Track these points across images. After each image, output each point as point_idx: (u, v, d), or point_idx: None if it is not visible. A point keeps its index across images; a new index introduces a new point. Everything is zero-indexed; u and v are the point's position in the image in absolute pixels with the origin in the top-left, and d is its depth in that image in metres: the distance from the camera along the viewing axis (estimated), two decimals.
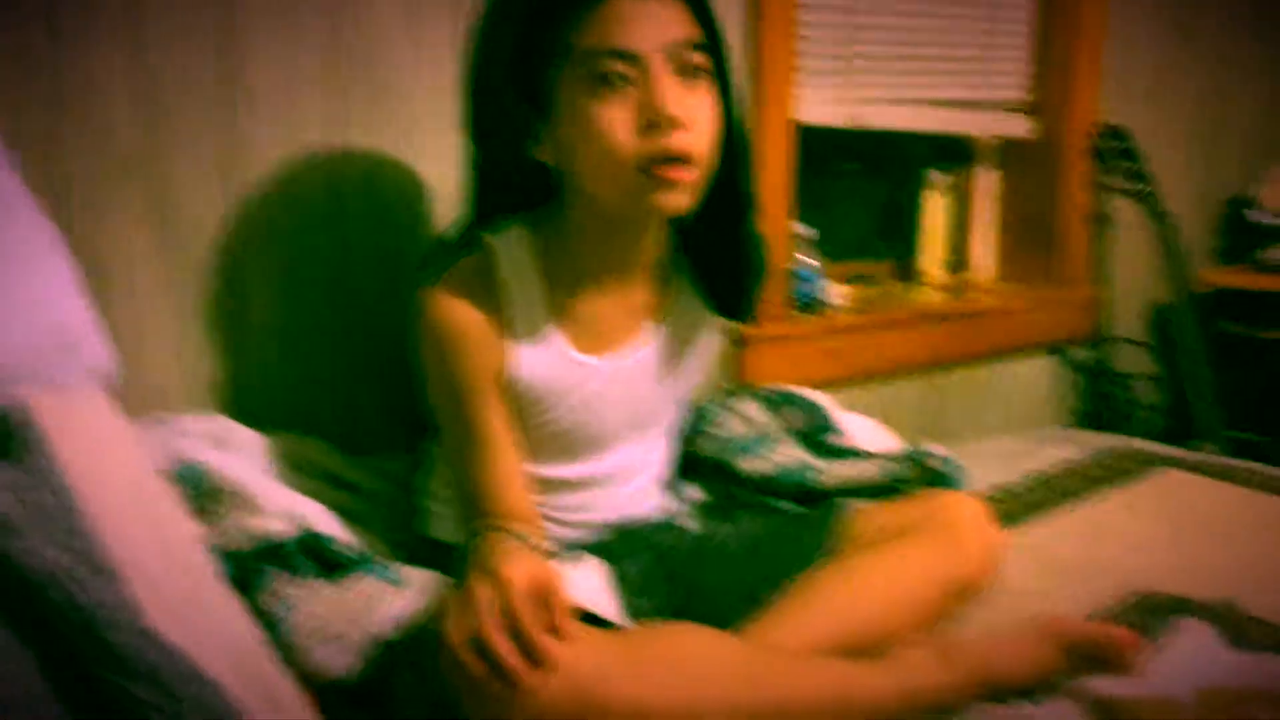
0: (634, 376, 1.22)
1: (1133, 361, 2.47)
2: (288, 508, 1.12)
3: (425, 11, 1.40)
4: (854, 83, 1.97)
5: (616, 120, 1.05)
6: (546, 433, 1.19)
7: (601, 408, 1.21)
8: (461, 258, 1.17)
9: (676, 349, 1.26)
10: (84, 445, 0.59)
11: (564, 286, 1.17)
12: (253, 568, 1.03)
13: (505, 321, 1.14)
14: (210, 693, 0.50)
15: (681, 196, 1.08)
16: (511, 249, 1.16)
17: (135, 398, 1.26)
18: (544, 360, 1.16)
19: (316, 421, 1.39)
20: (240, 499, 1.11)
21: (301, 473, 1.28)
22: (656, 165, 1.05)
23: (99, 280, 1.22)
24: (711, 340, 1.30)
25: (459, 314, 1.13)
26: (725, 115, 1.12)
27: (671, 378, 1.26)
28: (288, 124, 1.33)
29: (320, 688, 0.98)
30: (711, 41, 1.10)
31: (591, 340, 1.19)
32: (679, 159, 1.06)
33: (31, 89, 1.17)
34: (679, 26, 1.07)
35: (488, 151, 1.17)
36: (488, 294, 1.14)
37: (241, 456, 1.22)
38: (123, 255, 1.24)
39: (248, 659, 0.60)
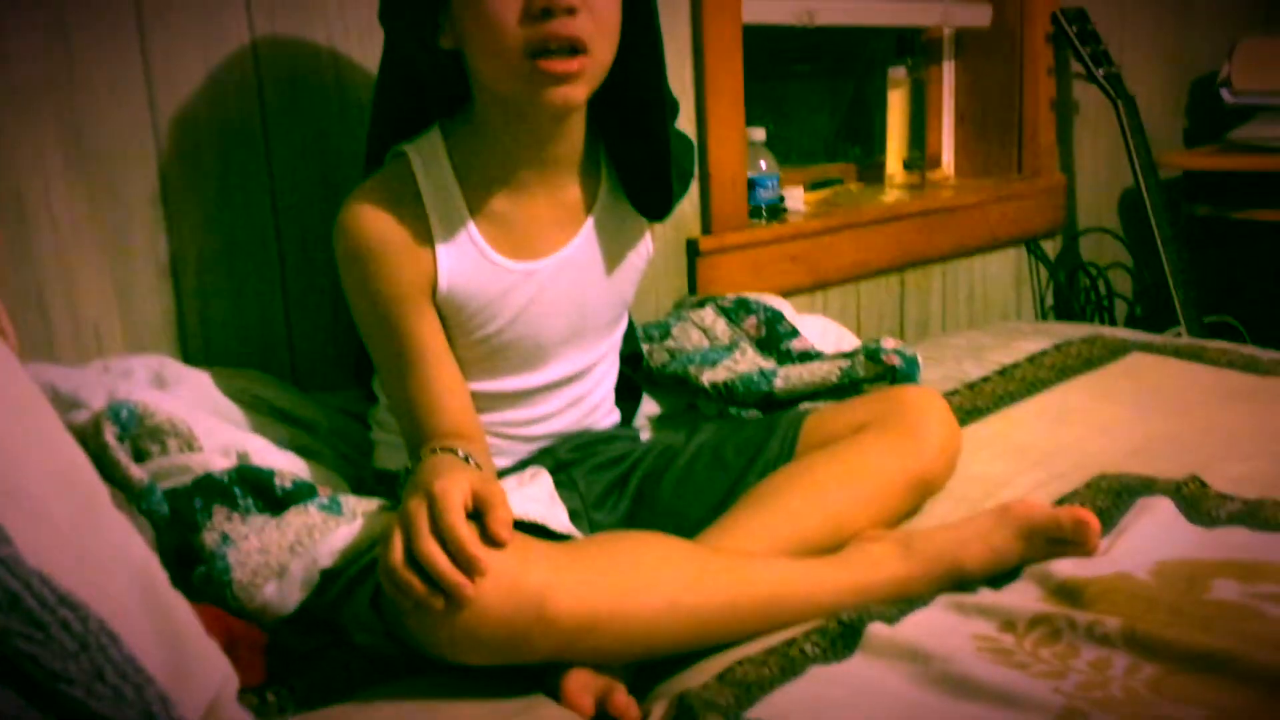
0: (569, 279, 1.19)
1: (1105, 250, 2.45)
2: (228, 443, 1.10)
3: None
4: None
5: (504, 5, 1.01)
6: (488, 347, 1.16)
7: (540, 315, 1.17)
8: (378, 170, 1.14)
9: (610, 248, 1.22)
10: None
11: (484, 190, 1.13)
12: (193, 505, 1.00)
13: (427, 231, 1.11)
14: (80, 616, 0.48)
15: (574, 89, 1.04)
16: (425, 155, 1.13)
17: (73, 340, 1.24)
18: (470, 268, 1.13)
19: (267, 357, 1.36)
20: (179, 436, 1.08)
21: (249, 409, 1.25)
22: (543, 57, 1.01)
23: (14, 210, 1.18)
24: (645, 238, 1.27)
25: (377, 225, 1.09)
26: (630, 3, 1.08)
27: (609, 279, 1.23)
28: (203, 37, 1.27)
29: (270, 624, 0.97)
30: None
31: (520, 244, 1.15)
32: (567, 48, 1.02)
33: None
34: None
35: (396, 41, 1.13)
36: (406, 204, 1.11)
37: (183, 394, 1.19)
38: (39, 187, 1.20)
39: (140, 582, 0.58)
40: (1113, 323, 2.40)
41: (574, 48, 1.02)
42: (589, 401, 1.26)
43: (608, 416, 1.31)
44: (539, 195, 1.15)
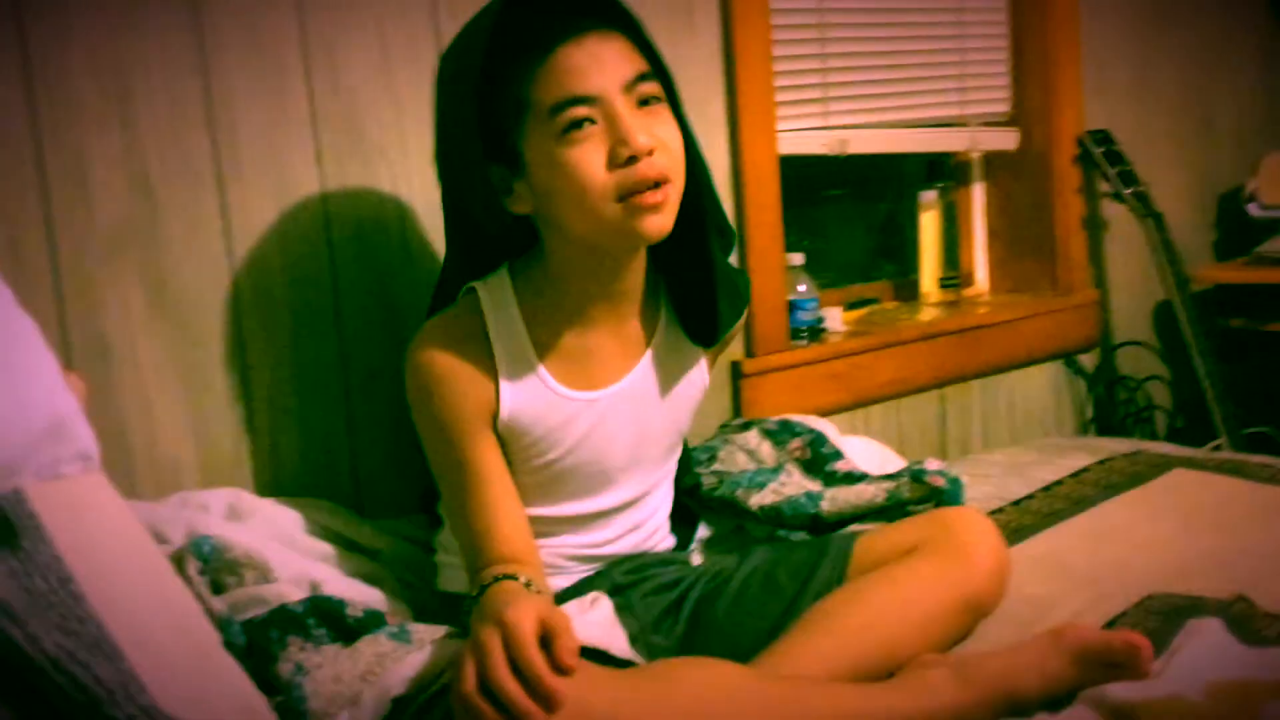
0: (628, 408, 1.25)
1: (1142, 363, 2.48)
2: (300, 574, 1.15)
3: (399, 73, 1.44)
4: (834, 110, 2.00)
5: (591, 161, 1.10)
6: (550, 473, 1.22)
7: (601, 442, 1.23)
8: (448, 309, 1.21)
9: (667, 378, 1.28)
10: (81, 529, 0.61)
11: (549, 325, 1.21)
12: (269, 635, 1.05)
13: (493, 364, 1.18)
14: None
15: (663, 218, 1.13)
16: (494, 294, 1.20)
17: (151, 473, 1.30)
18: (532, 398, 1.19)
19: (333, 486, 1.42)
20: (255, 568, 1.13)
21: (318, 539, 1.30)
22: (635, 194, 1.10)
23: (101, 355, 1.26)
24: (700, 367, 1.32)
25: (444, 358, 1.16)
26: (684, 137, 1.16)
27: (666, 408, 1.29)
28: (275, 192, 1.36)
29: None
30: (658, 68, 1.15)
31: (582, 375, 1.22)
32: (656, 183, 1.11)
33: (20, 175, 1.21)
34: (627, 62, 1.12)
35: (465, 210, 1.22)
36: (473, 338, 1.18)
37: (257, 527, 1.25)
38: (123, 330, 1.28)
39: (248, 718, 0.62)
40: (1154, 435, 2.42)
41: (658, 182, 1.11)
42: (647, 527, 1.31)
43: (664, 541, 1.35)
44: (603, 328, 1.22)
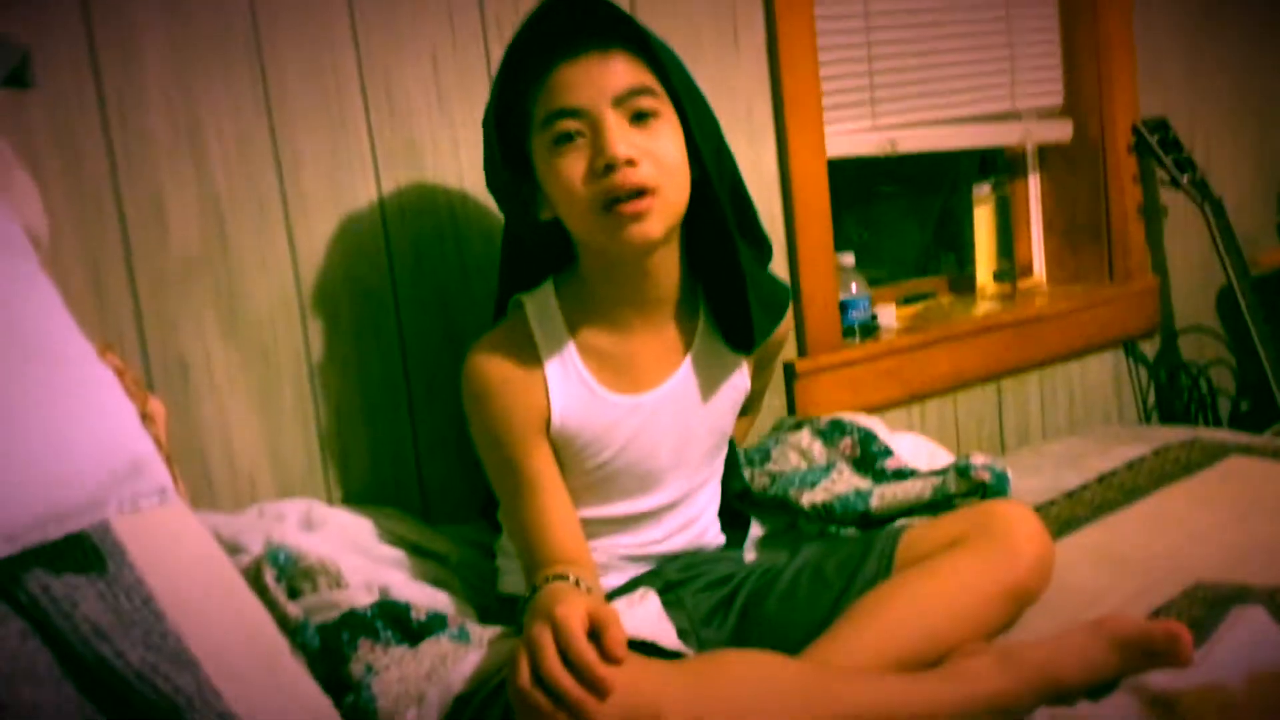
0: (671, 410, 1.30)
1: (1206, 348, 2.46)
2: (370, 579, 1.22)
3: (453, 97, 1.51)
4: (882, 111, 2.02)
5: (574, 171, 1.17)
6: (600, 474, 1.28)
7: (646, 444, 1.29)
8: (499, 322, 1.28)
9: (708, 380, 1.33)
10: (160, 553, 0.68)
11: (590, 332, 1.27)
12: (340, 638, 1.11)
13: (542, 372, 1.24)
14: None
15: (645, 226, 1.18)
16: (539, 305, 1.27)
17: (230, 486, 1.38)
18: (580, 403, 1.25)
19: (401, 494, 1.49)
20: (328, 575, 1.20)
21: (388, 545, 1.37)
22: (613, 203, 1.16)
23: (180, 376, 1.34)
24: (742, 372, 1.37)
25: (496, 368, 1.23)
26: (697, 149, 1.21)
27: (708, 410, 1.34)
28: (337, 216, 1.44)
29: None
30: (666, 83, 1.20)
31: (625, 380, 1.28)
32: (638, 193, 1.16)
33: (100, 212, 1.29)
34: (623, 77, 1.17)
35: (507, 223, 1.30)
36: (522, 348, 1.25)
37: (330, 534, 1.32)
38: (200, 353, 1.36)
39: None
40: (1216, 421, 2.40)
41: (640, 191, 1.16)
42: (695, 527, 1.36)
43: (714, 539, 1.40)
44: (640, 334, 1.28)
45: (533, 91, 1.20)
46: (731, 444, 1.45)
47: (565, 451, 1.26)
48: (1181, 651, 1.09)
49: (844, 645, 1.16)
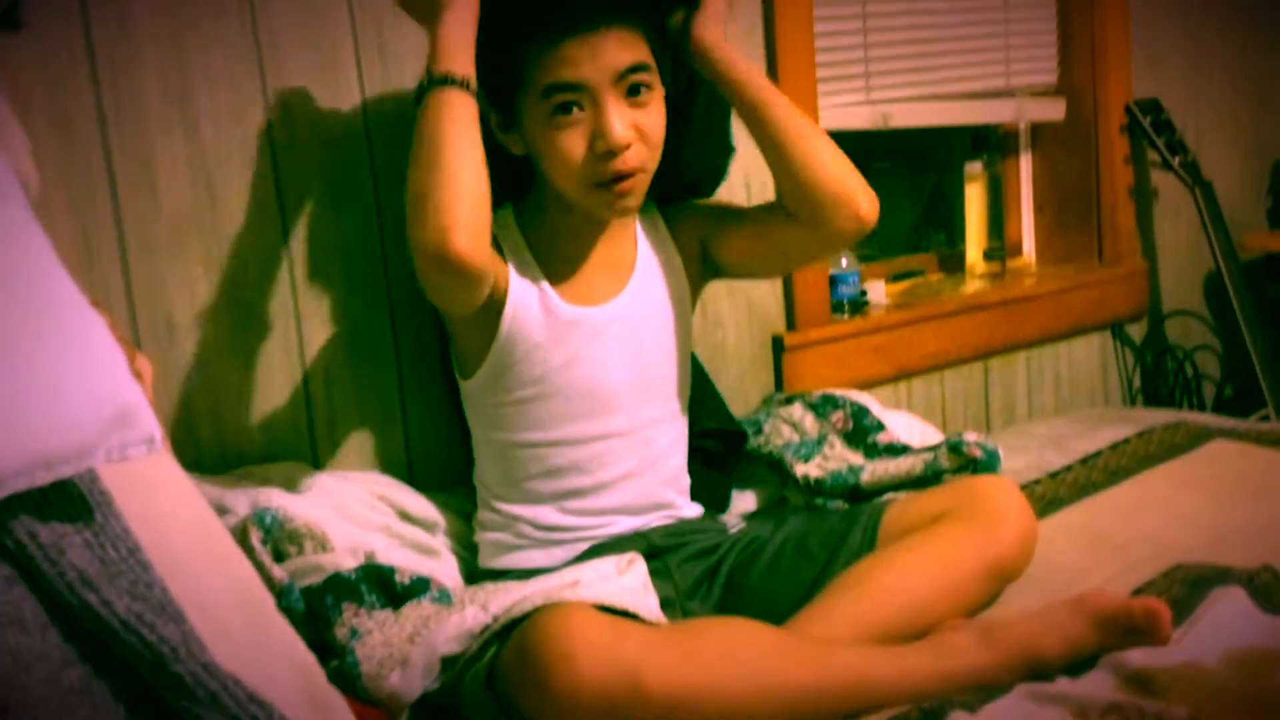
0: (623, 329, 1.32)
1: (1192, 333, 2.47)
2: (356, 543, 1.22)
3: None
4: (876, 84, 2.02)
5: (573, 146, 1.20)
6: (547, 388, 1.29)
7: (595, 361, 1.30)
8: None
9: (657, 295, 1.36)
10: (147, 503, 0.68)
11: (549, 253, 1.31)
12: (325, 601, 1.12)
13: (506, 263, 1.28)
14: (267, 713, 0.59)
15: (630, 201, 1.26)
16: (501, 224, 1.31)
17: (217, 448, 1.37)
18: (536, 303, 1.28)
19: (388, 458, 1.49)
20: (314, 538, 1.20)
21: (374, 510, 1.37)
22: (608, 183, 1.21)
23: (168, 336, 1.33)
24: (683, 282, 1.39)
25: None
26: (681, 111, 1.27)
27: (660, 327, 1.36)
28: (328, 174, 1.42)
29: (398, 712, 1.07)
30: (657, 58, 1.23)
31: (579, 293, 1.31)
32: (627, 176, 1.21)
33: (90, 172, 1.28)
34: (623, 53, 1.19)
35: None
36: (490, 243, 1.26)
37: (316, 499, 1.31)
38: (186, 311, 1.35)
39: (303, 681, 0.69)
40: (1201, 405, 2.41)
41: (632, 174, 1.22)
42: (662, 470, 1.35)
43: (680, 495, 1.39)
44: (596, 255, 1.33)
45: (535, 57, 1.19)
46: (709, 385, 1.44)
47: (513, 354, 1.27)
48: (1161, 629, 1.10)
49: (826, 617, 1.17)
